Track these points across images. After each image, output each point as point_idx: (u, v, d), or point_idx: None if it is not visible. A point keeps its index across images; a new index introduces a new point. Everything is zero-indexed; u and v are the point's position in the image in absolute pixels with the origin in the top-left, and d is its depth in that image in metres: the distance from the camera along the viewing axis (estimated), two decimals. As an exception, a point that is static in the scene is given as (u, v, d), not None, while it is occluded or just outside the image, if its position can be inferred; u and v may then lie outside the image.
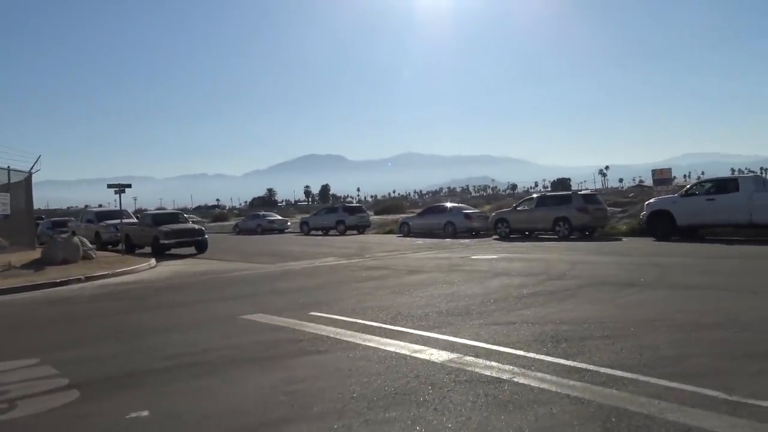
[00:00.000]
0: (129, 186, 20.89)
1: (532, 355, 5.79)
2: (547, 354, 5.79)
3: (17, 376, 5.95)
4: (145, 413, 4.66)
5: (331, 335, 7.14)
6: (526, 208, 25.55)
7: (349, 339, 6.89)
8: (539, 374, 5.15)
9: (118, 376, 5.79)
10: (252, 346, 6.83)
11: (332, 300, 10.05)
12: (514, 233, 25.25)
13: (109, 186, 20.35)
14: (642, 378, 4.89)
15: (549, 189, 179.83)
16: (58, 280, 14.64)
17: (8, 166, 21.14)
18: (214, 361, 6.24)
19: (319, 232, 36.14)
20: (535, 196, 28.37)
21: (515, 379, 5.04)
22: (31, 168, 21.88)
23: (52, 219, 36.00)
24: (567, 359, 5.56)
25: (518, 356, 5.77)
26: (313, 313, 8.62)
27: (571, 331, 6.76)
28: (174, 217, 25.40)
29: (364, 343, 6.66)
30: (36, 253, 18.46)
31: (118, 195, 20.54)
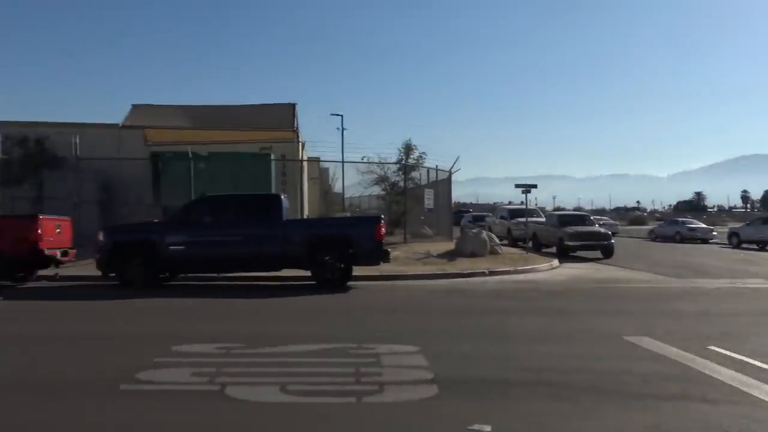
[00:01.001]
0: (535, 186, 21.50)
1: None
2: None
3: (396, 361, 6.49)
4: (488, 429, 4.47)
5: (727, 381, 5.77)
6: None
7: (749, 390, 5.45)
8: None
9: (475, 380, 5.78)
10: (624, 375, 6.00)
11: (742, 334, 8.25)
12: None
13: (517, 186, 21.35)
14: None
15: None
16: (465, 272, 15.93)
17: (436, 166, 24.18)
18: (575, 384, 5.69)
19: (753, 246, 30.80)
20: None
21: None
22: (452, 167, 24.59)
23: (473, 214, 39.85)
24: None
25: None
26: (711, 348, 7.17)
27: None
28: (580, 218, 25.10)
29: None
30: (451, 245, 20.52)
31: (524, 194, 21.37)
